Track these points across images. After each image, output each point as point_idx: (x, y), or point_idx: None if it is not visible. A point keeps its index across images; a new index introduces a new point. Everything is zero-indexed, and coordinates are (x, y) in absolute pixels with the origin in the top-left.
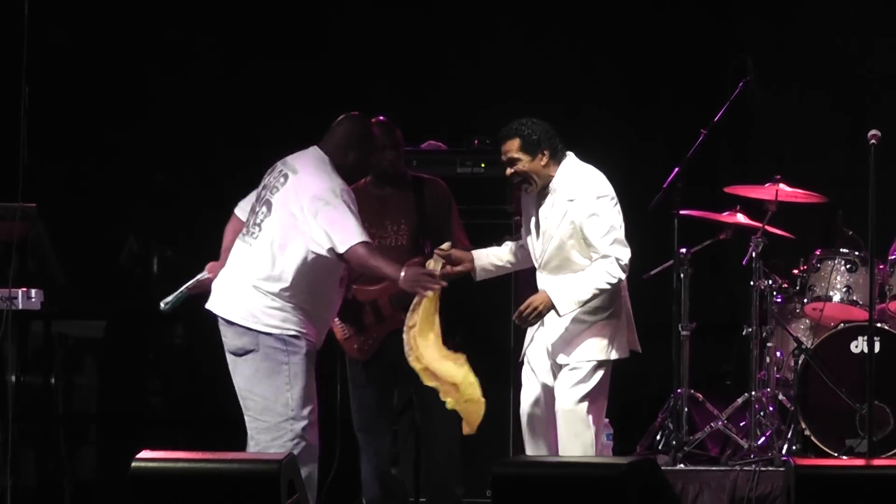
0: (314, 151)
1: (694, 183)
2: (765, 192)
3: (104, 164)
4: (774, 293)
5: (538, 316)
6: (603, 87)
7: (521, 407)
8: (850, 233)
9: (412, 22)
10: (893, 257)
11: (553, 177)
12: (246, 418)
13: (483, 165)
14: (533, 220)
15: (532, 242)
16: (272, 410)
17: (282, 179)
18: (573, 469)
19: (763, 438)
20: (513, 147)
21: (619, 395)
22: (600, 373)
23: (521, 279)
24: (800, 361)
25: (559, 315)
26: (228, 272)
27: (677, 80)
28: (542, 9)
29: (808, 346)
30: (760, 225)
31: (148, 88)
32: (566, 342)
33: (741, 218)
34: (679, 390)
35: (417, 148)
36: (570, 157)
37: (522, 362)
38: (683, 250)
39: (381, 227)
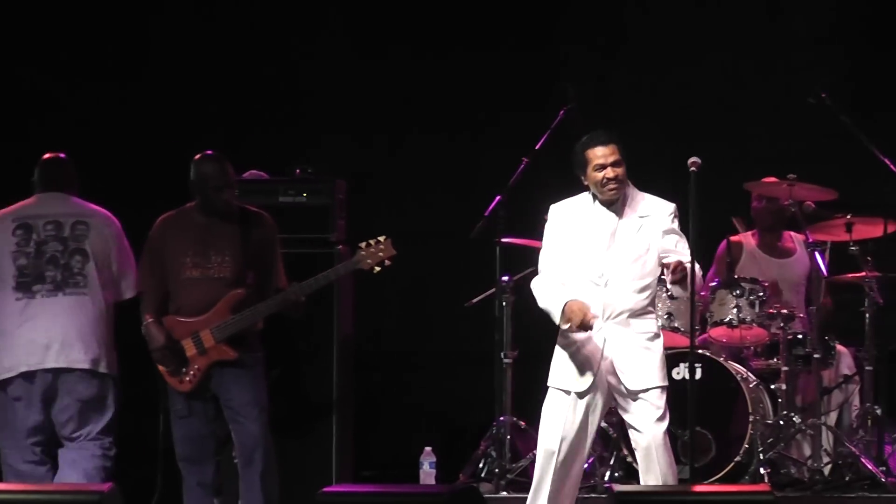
0: (71, 199)
1: (516, 211)
2: None
3: None
4: None
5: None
6: (426, 115)
7: (555, 437)
8: None
9: (232, 48)
10: (713, 284)
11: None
12: (74, 447)
13: (305, 195)
14: (595, 236)
15: (593, 257)
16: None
17: (81, 227)
18: (396, 498)
19: (586, 465)
20: (617, 150)
21: (442, 423)
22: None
23: (342, 314)
24: None
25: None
26: (71, 324)
27: (499, 107)
28: (365, 37)
29: None
30: None
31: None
32: (638, 370)
33: None
34: (502, 418)
35: (239, 178)
36: None
37: (563, 392)
38: (506, 278)
39: (205, 258)
